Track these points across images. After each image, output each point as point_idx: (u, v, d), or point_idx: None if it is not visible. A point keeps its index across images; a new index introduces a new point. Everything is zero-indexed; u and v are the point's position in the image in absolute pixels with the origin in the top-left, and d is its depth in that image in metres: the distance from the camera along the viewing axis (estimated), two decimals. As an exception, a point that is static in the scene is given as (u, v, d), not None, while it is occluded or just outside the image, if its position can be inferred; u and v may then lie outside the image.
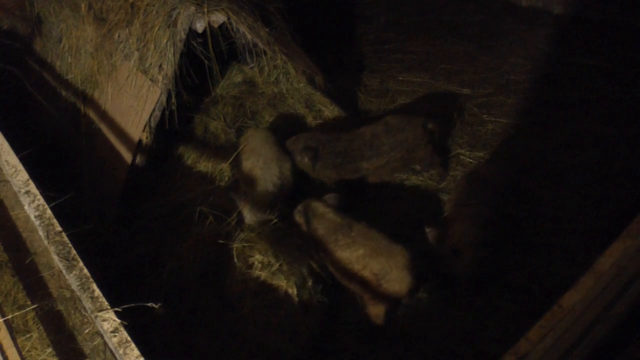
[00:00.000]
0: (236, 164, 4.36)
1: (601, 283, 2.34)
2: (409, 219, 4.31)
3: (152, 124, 4.33)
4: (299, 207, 3.84)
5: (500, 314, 3.60)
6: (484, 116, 5.30)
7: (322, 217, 3.71)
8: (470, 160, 4.78)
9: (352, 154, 4.34)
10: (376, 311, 3.53)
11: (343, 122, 4.97)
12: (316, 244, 3.73)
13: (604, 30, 6.19)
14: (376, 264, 3.45)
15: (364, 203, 4.53)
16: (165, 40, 4.22)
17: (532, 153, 4.80)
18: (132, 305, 2.32)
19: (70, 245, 2.52)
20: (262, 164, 4.09)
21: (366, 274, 3.47)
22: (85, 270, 2.41)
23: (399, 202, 4.48)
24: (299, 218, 3.82)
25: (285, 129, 4.72)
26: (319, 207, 3.78)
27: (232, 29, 4.49)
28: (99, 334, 2.79)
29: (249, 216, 3.97)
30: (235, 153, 4.36)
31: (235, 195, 4.07)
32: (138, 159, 4.38)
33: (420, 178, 4.67)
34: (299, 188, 4.19)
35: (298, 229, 3.86)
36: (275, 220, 3.95)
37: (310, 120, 5.02)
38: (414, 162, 4.57)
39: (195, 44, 4.41)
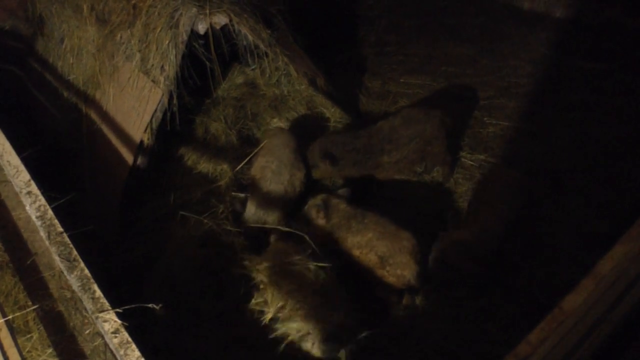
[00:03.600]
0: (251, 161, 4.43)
1: (602, 286, 2.34)
2: (413, 220, 4.30)
3: (154, 125, 4.33)
4: (317, 202, 3.88)
5: (501, 316, 3.60)
6: (485, 119, 5.30)
7: (337, 208, 3.84)
8: (472, 163, 4.78)
9: (372, 150, 4.33)
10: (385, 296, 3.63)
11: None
12: (329, 236, 3.78)
13: (605, 33, 6.19)
14: (382, 246, 3.54)
15: (367, 205, 4.53)
16: (167, 42, 4.22)
17: (533, 156, 4.80)
18: (133, 306, 2.33)
19: (71, 245, 2.53)
20: (275, 167, 4.09)
21: (372, 256, 3.56)
22: (86, 271, 2.42)
23: (401, 204, 4.47)
24: (315, 212, 3.85)
25: (305, 133, 4.72)
26: (334, 200, 3.92)
27: (234, 30, 4.50)
28: (99, 334, 2.80)
29: (250, 213, 3.97)
30: (252, 154, 4.40)
31: (237, 200, 4.08)
32: (139, 160, 4.39)
33: (423, 179, 4.67)
34: (303, 199, 4.18)
35: (310, 223, 3.88)
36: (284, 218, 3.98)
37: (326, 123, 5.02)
38: (428, 157, 4.52)
39: (197, 46, 4.43)
